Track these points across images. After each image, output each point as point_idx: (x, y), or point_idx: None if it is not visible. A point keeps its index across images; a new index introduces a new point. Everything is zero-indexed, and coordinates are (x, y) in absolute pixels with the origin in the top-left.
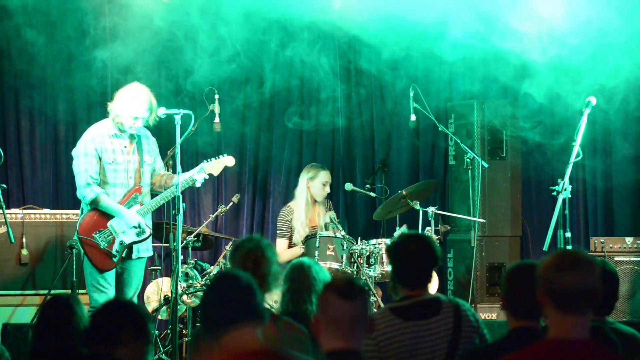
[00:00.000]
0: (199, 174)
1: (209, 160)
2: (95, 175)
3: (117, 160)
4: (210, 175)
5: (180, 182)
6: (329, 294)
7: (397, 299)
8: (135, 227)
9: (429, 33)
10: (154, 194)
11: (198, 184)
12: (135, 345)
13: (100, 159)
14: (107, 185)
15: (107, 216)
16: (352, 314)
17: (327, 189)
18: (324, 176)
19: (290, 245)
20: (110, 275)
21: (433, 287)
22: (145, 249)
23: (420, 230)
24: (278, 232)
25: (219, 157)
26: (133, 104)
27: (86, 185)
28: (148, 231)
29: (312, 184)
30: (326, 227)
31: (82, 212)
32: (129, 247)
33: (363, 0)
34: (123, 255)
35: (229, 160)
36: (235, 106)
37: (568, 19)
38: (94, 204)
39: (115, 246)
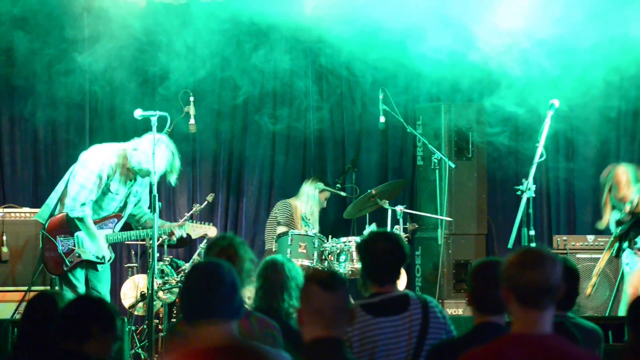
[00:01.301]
0: (179, 230)
1: (194, 222)
2: (94, 198)
3: (119, 191)
4: (188, 235)
5: (156, 228)
6: (312, 285)
7: (366, 295)
8: (98, 257)
9: (399, 38)
10: (128, 224)
11: (173, 238)
12: (104, 340)
13: (107, 186)
14: (101, 210)
15: (76, 225)
16: (335, 304)
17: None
18: (328, 192)
19: None
20: (80, 272)
21: (401, 283)
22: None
23: (389, 229)
24: (281, 221)
25: (204, 224)
26: (158, 162)
27: (82, 204)
28: (108, 259)
29: (322, 195)
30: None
31: (55, 208)
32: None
33: (334, 6)
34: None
35: (211, 231)
36: (209, 108)
37: (533, 25)
38: (78, 220)
39: (71, 257)
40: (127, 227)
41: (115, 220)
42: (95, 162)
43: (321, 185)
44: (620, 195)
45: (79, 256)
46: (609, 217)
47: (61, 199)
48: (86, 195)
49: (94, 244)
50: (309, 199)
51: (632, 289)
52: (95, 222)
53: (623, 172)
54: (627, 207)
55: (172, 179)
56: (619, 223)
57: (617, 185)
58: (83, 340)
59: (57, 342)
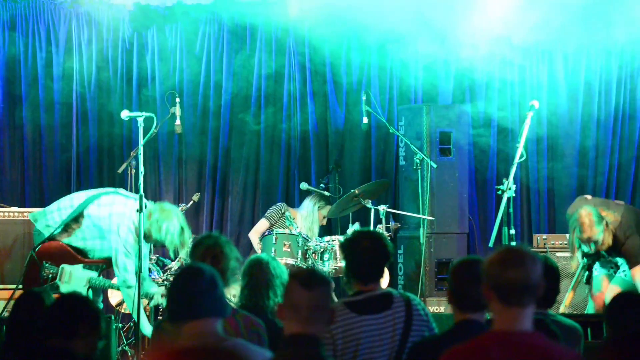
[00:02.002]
0: (158, 295)
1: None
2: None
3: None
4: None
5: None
6: (292, 282)
7: (350, 293)
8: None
9: (382, 41)
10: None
11: (148, 302)
12: (90, 338)
13: None
14: (95, 252)
15: (68, 259)
16: (312, 302)
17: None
18: (327, 210)
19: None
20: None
21: (384, 281)
22: None
23: (372, 228)
24: (267, 215)
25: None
26: (169, 238)
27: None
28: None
29: (319, 212)
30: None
31: (51, 233)
32: None
33: (318, 8)
34: None
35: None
36: (195, 109)
37: (514, 29)
38: (127, 288)
39: (48, 286)
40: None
41: (104, 265)
42: (130, 230)
43: (318, 203)
44: (585, 237)
45: (57, 287)
46: (578, 256)
47: (67, 229)
48: (133, 262)
49: (81, 287)
50: (308, 215)
51: (600, 294)
52: (85, 261)
53: (586, 214)
54: (593, 248)
55: (183, 253)
56: (584, 255)
57: (581, 227)
58: (69, 338)
59: (44, 339)
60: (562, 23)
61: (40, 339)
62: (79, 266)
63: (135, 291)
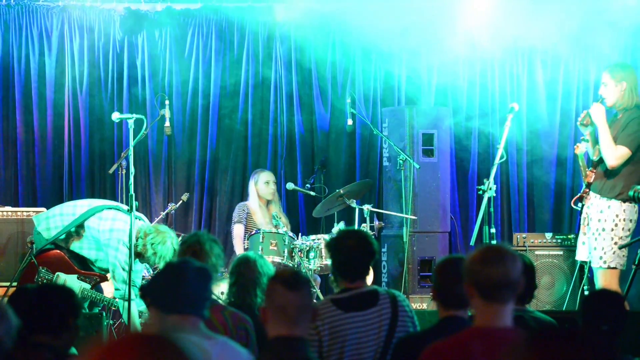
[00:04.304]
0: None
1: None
2: None
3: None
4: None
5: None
6: (275, 284)
7: (337, 290)
8: None
9: (368, 43)
10: None
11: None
12: (75, 331)
13: None
14: (93, 263)
15: (65, 269)
16: (298, 303)
17: (272, 186)
18: (265, 176)
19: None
20: None
21: (369, 279)
22: None
23: (356, 227)
24: (235, 220)
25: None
26: (160, 262)
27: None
28: None
29: (258, 187)
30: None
31: (52, 238)
32: None
33: (305, 13)
34: None
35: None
36: (184, 111)
37: (498, 31)
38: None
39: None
40: None
41: (98, 279)
42: (125, 244)
43: (252, 180)
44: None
45: None
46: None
47: (67, 239)
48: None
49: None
50: (251, 199)
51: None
52: (81, 272)
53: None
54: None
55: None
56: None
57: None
58: (55, 333)
59: (28, 336)
60: (541, 27)
61: (23, 335)
62: (74, 276)
63: (133, 304)
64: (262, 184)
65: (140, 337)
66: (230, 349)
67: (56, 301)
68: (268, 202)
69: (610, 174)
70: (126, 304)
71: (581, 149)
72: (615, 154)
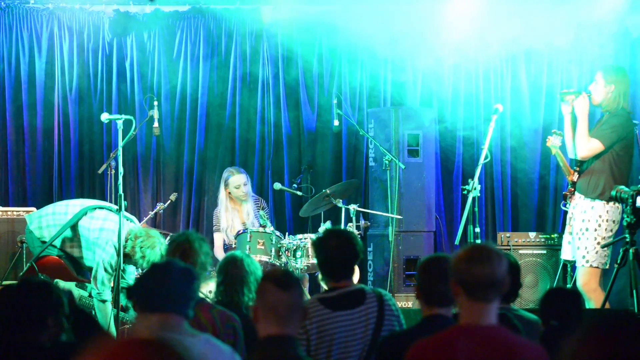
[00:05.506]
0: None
1: None
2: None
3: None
4: None
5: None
6: (267, 284)
7: (326, 288)
8: None
9: (354, 45)
10: None
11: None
12: (58, 328)
13: None
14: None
15: (64, 275)
16: (289, 302)
17: (245, 189)
18: (234, 181)
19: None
20: None
21: (355, 278)
22: None
23: (343, 226)
24: (214, 228)
25: None
26: (146, 265)
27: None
28: None
29: (230, 190)
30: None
31: (48, 242)
32: None
33: (292, 15)
34: None
35: None
36: (173, 111)
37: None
38: (101, 302)
39: None
40: None
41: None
42: (116, 249)
43: (222, 183)
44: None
45: None
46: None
47: (63, 243)
48: (111, 278)
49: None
50: (219, 203)
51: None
52: (79, 280)
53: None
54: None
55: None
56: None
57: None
58: (38, 330)
59: (11, 333)
60: (524, 30)
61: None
62: (72, 284)
63: (108, 305)
64: (232, 188)
65: (139, 342)
66: (213, 346)
67: (34, 299)
68: (242, 202)
69: (593, 173)
70: (100, 304)
71: (553, 141)
72: (587, 146)
